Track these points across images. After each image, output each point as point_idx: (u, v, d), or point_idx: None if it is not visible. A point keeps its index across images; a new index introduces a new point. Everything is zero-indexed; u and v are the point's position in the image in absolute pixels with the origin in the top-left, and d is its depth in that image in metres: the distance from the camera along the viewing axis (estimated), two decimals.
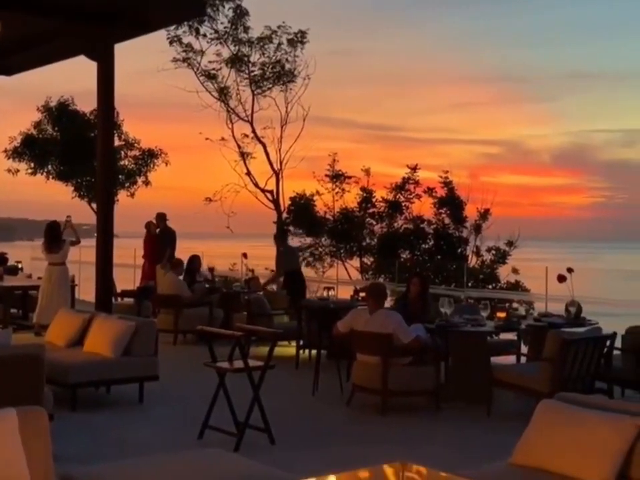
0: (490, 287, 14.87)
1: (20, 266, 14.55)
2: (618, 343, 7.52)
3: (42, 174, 17.38)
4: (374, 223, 16.04)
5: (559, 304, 9.27)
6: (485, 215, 15.31)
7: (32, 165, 17.25)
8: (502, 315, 8.17)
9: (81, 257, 16.13)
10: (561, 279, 8.71)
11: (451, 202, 15.38)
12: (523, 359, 8.84)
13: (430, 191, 15.66)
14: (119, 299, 13.54)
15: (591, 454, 3.80)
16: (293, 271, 12.24)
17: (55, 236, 11.09)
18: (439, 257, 15.32)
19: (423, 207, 15.84)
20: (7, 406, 3.55)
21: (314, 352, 9.61)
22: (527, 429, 4.15)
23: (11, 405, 3.58)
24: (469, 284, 14.28)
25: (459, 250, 15.42)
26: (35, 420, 3.60)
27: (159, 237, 14.05)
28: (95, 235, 10.49)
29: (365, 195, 16.04)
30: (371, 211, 16.01)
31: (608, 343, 7.20)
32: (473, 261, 15.41)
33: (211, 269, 13.26)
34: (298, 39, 16.42)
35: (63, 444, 5.78)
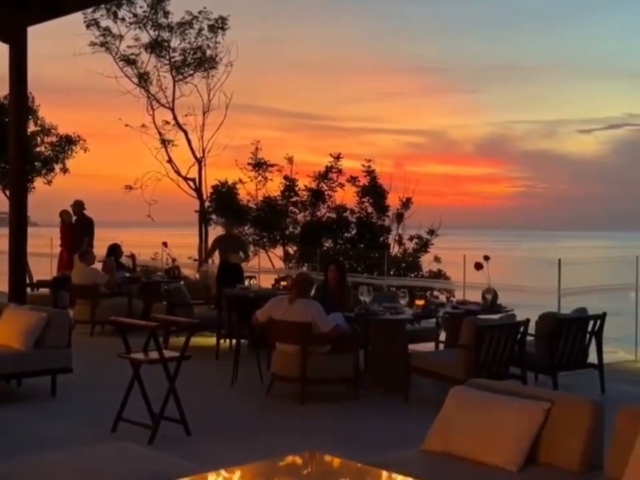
0: (412, 275, 15.02)
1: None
2: (532, 329, 7.69)
3: None
4: (297, 211, 16.01)
5: (478, 291, 9.42)
6: (407, 203, 15.44)
7: None
8: (420, 302, 8.23)
9: None
10: (478, 266, 8.86)
11: (373, 191, 15.46)
12: (442, 347, 8.98)
13: (353, 179, 15.71)
14: (35, 289, 13.18)
15: (500, 439, 3.86)
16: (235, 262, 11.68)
17: None
18: (361, 245, 15.41)
19: (346, 196, 15.89)
20: None
21: (234, 341, 9.54)
22: (438, 415, 4.19)
23: None
24: (391, 272, 14.40)
25: (381, 238, 15.53)
26: None
27: (76, 226, 13.73)
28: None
29: (287, 183, 15.99)
30: (294, 199, 15.97)
31: (522, 329, 7.35)
32: (395, 250, 15.54)
33: (132, 256, 13.00)
34: (219, 25, 16.21)
35: None
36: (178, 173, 17.15)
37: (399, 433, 6.35)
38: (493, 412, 3.96)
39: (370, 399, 7.50)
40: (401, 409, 7.24)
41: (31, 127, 16.11)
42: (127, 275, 12.14)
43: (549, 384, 7.66)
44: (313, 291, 8.06)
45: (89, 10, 15.34)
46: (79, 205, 13.76)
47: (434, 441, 4.06)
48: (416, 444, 4.23)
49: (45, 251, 16.55)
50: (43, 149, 17.05)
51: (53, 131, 17.07)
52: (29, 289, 12.16)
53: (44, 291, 12.81)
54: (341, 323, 7.49)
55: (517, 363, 7.40)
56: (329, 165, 15.85)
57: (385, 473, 2.97)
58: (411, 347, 8.26)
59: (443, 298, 12.89)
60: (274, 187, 16.13)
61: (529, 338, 7.57)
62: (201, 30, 16.24)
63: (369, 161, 15.61)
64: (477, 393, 4.16)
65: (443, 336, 9.14)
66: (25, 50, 9.96)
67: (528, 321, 7.43)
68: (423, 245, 15.37)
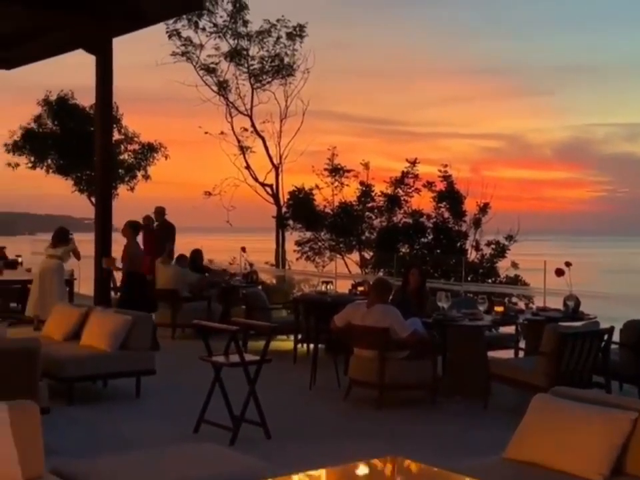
0: (489, 281, 14.85)
1: (19, 260, 14.54)
2: (616, 337, 7.51)
3: (42, 168, 17.37)
4: (373, 217, 16.03)
5: (559, 298, 9.26)
6: (484, 208, 15.28)
7: (32, 159, 17.24)
8: (499, 309, 8.14)
9: (83, 251, 16.10)
10: (559, 272, 8.70)
11: (450, 196, 15.36)
12: (522, 354, 8.86)
13: (429, 185, 15.64)
14: (118, 293, 13.54)
15: (585, 449, 3.79)
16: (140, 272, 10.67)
17: (63, 235, 11.26)
18: (438, 251, 15.31)
19: (422, 201, 15.83)
20: (1, 400, 3.55)
21: (312, 346, 9.61)
22: (520, 423, 4.14)
23: (4, 399, 3.58)
24: (469, 278, 14.26)
25: (458, 244, 15.40)
26: (26, 414, 3.60)
27: (158, 232, 14.03)
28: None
29: (364, 189, 16.02)
30: (370, 205, 16.00)
31: (606, 337, 7.18)
32: (472, 255, 15.39)
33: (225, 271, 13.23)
34: (297, 33, 16.40)
35: (58, 438, 5.79)
36: (255, 179, 17.42)
37: (478, 440, 6.29)
38: (577, 421, 3.89)
39: (448, 406, 7.45)
40: (480, 415, 7.16)
41: (115, 136, 16.61)
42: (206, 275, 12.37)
43: (634, 393, 7.46)
44: (390, 296, 8.05)
45: (171, 20, 15.73)
46: (160, 212, 14.07)
47: (516, 449, 4.02)
48: (496, 451, 4.20)
49: None
50: (126, 157, 17.55)
51: (135, 139, 17.56)
52: (112, 293, 12.51)
53: None
54: (419, 328, 7.47)
55: (600, 372, 7.23)
56: (405, 170, 15.83)
57: None
58: (490, 353, 8.17)
59: (521, 304, 12.68)
60: (350, 192, 16.23)
61: (613, 346, 7.39)
62: (279, 38, 16.48)
63: (446, 166, 15.55)
64: (561, 401, 4.09)
65: (522, 343, 9.02)
66: (111, 61, 10.29)
67: (612, 328, 7.25)
68: (501, 251, 15.17)
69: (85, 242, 12.51)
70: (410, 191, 15.84)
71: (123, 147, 17.47)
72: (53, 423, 6.11)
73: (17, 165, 17.27)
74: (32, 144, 17.07)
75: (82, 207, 17.80)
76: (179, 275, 11.63)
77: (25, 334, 8.94)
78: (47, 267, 10.93)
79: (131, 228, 10.59)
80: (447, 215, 15.47)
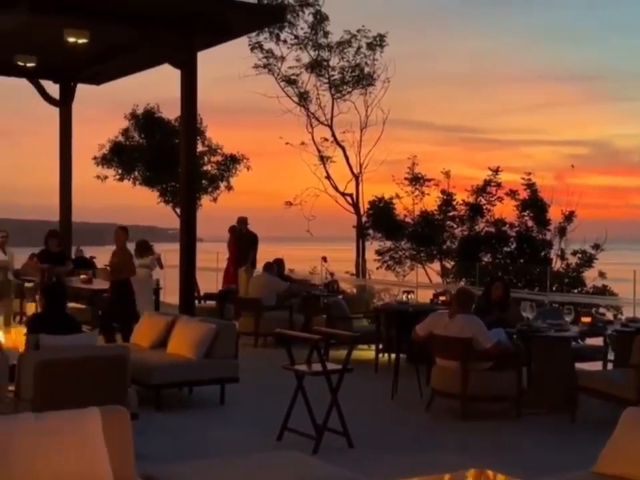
0: (575, 291, 14.49)
1: (108, 269, 14.96)
2: None
3: (129, 180, 17.86)
4: (454, 226, 15.86)
5: None
6: (569, 217, 14.94)
7: (120, 171, 17.75)
8: (587, 319, 7.96)
9: (167, 261, 16.50)
10: None
11: (533, 204, 15.07)
12: (610, 366, 8.62)
13: (512, 193, 15.39)
14: (202, 302, 13.82)
15: None
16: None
17: (147, 245, 11.59)
18: (521, 260, 15.04)
19: (505, 210, 15.57)
20: (93, 405, 3.68)
21: (393, 356, 9.57)
22: (611, 437, 4.04)
23: (96, 405, 3.70)
24: (554, 288, 13.95)
25: (543, 253, 15.09)
26: (117, 419, 3.71)
27: (242, 241, 14.27)
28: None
29: (445, 197, 15.88)
30: (451, 214, 15.84)
31: None
32: (557, 265, 15.05)
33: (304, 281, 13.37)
34: (377, 43, 16.42)
35: (146, 443, 5.93)
36: (336, 188, 17.48)
37: (565, 453, 6.15)
38: None
39: (533, 418, 7.30)
40: (567, 429, 6.99)
41: (199, 147, 16.95)
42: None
43: None
44: (473, 306, 7.96)
45: (253, 34, 15.99)
46: (243, 222, 14.31)
47: (606, 463, 3.91)
48: (584, 466, 4.10)
49: (208, 264, 17.26)
50: (209, 168, 17.87)
51: (218, 150, 17.87)
52: (196, 301, 12.76)
53: (210, 303, 13.40)
54: (502, 339, 7.36)
55: None
56: (488, 178, 15.62)
57: None
58: (576, 365, 7.98)
59: (609, 315, 12.33)
60: (431, 201, 16.10)
61: None
62: (359, 48, 16.54)
63: (529, 173, 15.26)
64: None
65: (611, 355, 8.78)
66: (195, 74, 10.50)
67: None
68: (588, 260, 14.79)
69: (170, 252, 12.82)
70: (492, 199, 15.61)
71: (206, 158, 17.79)
72: (140, 428, 6.28)
73: (106, 177, 17.81)
74: (120, 157, 17.57)
75: (166, 217, 18.21)
76: (271, 283, 11.76)
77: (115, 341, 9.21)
78: (137, 277, 11.22)
79: (124, 232, 10.73)
80: (530, 223, 15.19)
